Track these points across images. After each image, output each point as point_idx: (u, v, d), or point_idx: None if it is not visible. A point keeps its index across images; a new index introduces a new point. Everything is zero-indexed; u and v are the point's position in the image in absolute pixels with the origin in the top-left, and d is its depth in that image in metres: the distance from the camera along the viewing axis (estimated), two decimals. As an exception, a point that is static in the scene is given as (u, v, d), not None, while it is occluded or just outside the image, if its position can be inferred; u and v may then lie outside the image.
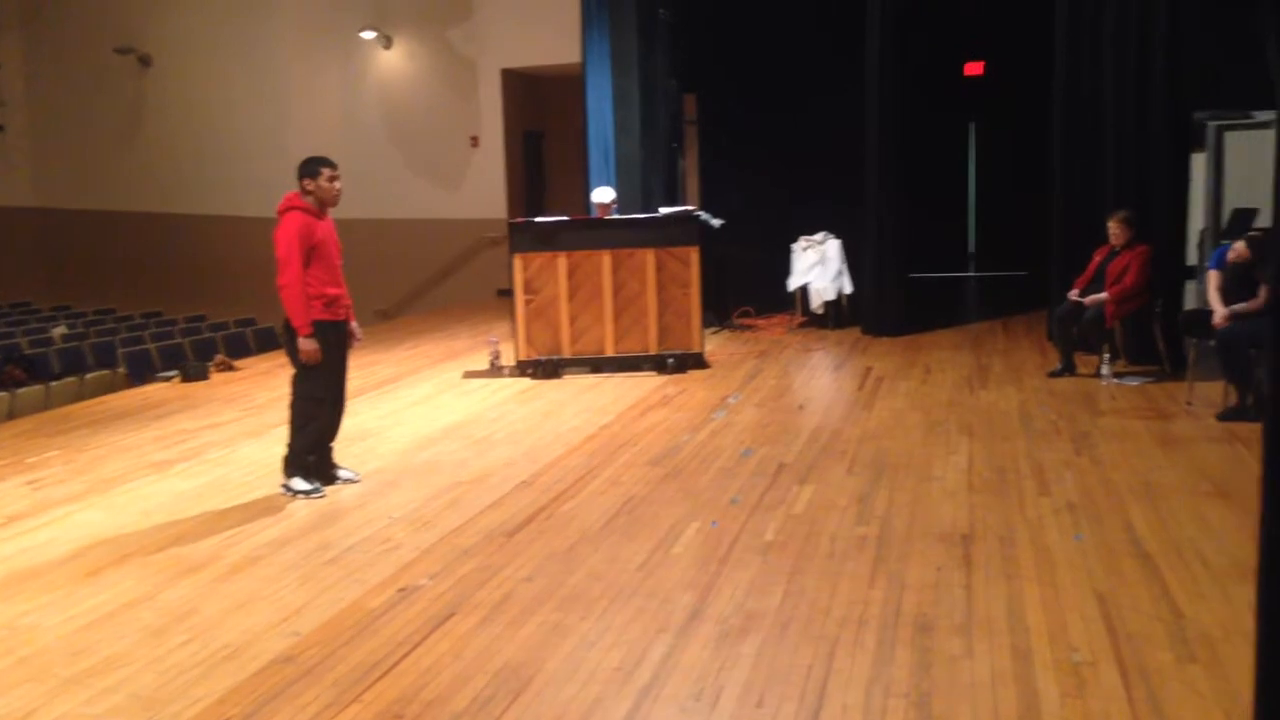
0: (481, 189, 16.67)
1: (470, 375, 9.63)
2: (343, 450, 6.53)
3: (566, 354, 9.43)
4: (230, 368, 10.55)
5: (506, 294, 15.74)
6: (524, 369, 9.43)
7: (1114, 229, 8.49)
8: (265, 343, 12.82)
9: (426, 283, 17.11)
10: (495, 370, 9.62)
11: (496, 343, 9.83)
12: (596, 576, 4.77)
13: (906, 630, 4.09)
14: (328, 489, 6.21)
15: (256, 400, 9.02)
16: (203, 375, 10.18)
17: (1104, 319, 8.35)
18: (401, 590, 4.71)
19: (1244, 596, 4.26)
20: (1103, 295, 8.36)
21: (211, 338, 12.41)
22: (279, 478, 6.26)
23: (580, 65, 12.51)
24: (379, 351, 11.17)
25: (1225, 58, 9.78)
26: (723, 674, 3.82)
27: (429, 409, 8.41)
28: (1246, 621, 4.04)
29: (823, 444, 6.85)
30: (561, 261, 9.36)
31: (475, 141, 16.68)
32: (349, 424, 6.58)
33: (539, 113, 17.48)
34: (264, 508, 5.98)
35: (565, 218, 9.96)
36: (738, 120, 12.73)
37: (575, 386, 8.98)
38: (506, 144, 16.59)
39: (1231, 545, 4.84)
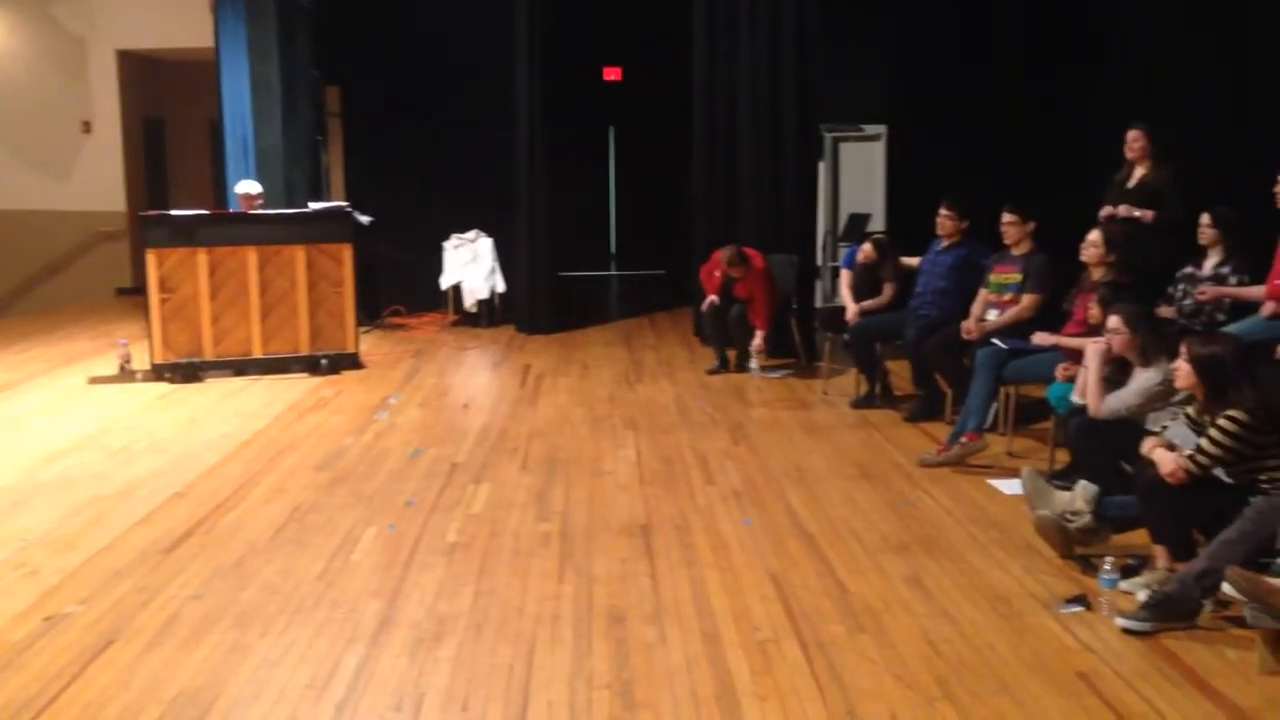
0: (95, 179, 15.28)
1: (97, 381, 8.80)
2: (-45, 467, 5.80)
3: (208, 356, 8.83)
4: None
5: (128, 292, 14.63)
6: (160, 373, 8.74)
7: (730, 264, 8.61)
8: None
9: (30, 280, 15.50)
10: (126, 375, 8.83)
11: (126, 345, 9.04)
12: (273, 590, 4.49)
13: (601, 622, 4.15)
14: (-60, 512, 5.49)
15: None
16: None
17: (747, 317, 8.84)
18: (48, 619, 4.22)
19: (896, 569, 4.65)
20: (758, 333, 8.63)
21: None
22: (-123, 501, 5.47)
23: (208, 49, 11.75)
24: (-17, 356, 10.01)
25: (838, 74, 10.64)
26: (422, 680, 3.71)
27: (52, 418, 7.62)
28: (902, 592, 4.41)
29: (492, 442, 6.82)
30: (202, 258, 8.75)
31: (87, 127, 15.28)
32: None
33: (161, 98, 16.28)
34: None
35: (205, 211, 9.33)
36: (384, 115, 12.40)
37: (220, 390, 8.44)
38: (124, 131, 15.32)
39: (879, 522, 5.27)
